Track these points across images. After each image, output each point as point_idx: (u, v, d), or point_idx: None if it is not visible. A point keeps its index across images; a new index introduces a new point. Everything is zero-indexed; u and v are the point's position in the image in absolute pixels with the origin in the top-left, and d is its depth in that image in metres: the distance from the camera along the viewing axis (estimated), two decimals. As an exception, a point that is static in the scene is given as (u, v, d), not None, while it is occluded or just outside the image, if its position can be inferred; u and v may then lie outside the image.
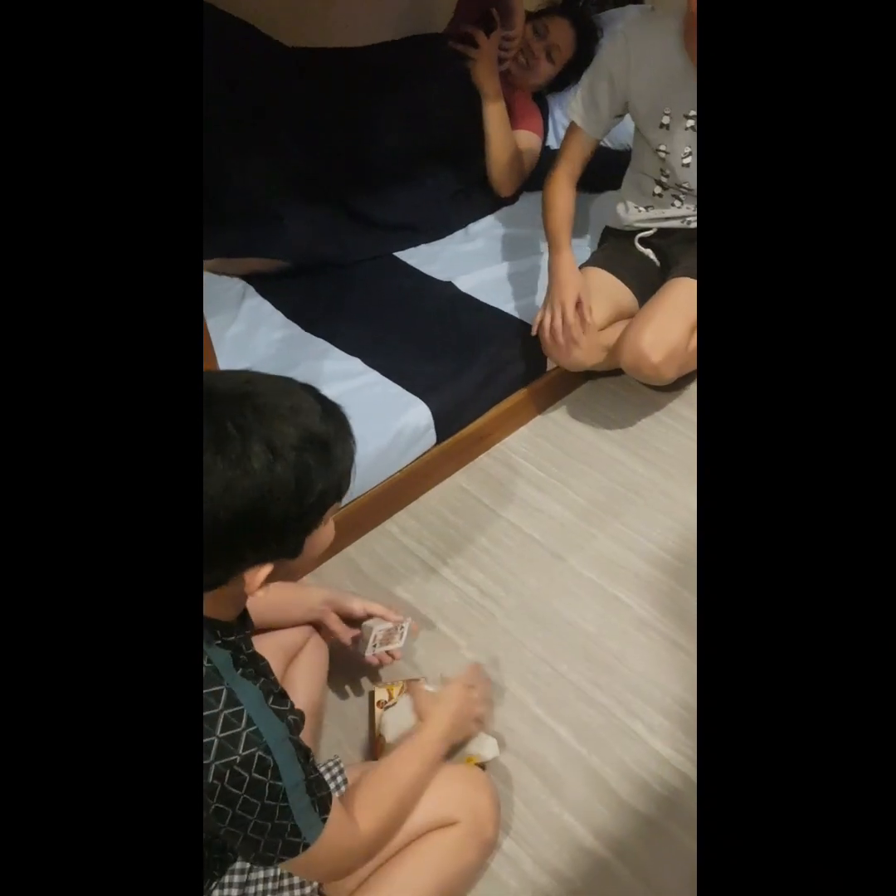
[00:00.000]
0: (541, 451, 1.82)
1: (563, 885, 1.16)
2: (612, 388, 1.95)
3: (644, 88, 1.66)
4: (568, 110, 1.81)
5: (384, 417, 1.61)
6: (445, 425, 1.69)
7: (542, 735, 1.32)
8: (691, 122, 1.66)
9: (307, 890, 0.99)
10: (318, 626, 1.31)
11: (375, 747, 1.27)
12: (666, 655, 1.41)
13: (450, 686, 1.17)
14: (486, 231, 2.15)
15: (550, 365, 1.86)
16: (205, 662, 0.78)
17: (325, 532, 0.84)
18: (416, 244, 2.11)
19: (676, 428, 1.84)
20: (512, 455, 1.82)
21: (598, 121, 1.74)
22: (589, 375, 1.93)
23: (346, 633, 1.31)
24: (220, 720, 0.76)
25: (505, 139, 2.11)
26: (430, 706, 1.14)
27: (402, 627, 1.31)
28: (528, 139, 2.19)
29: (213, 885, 0.96)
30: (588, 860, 1.19)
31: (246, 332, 1.83)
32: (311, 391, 0.82)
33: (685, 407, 1.89)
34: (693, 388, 1.92)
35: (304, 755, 0.84)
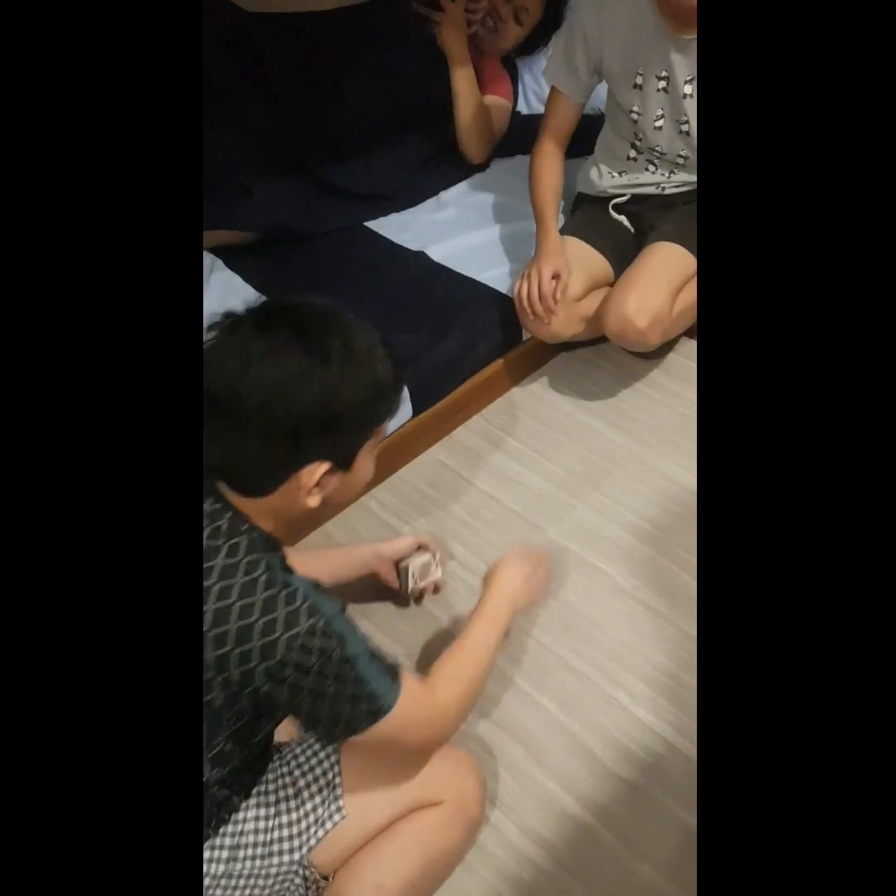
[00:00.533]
0: (518, 423, 1.81)
1: (549, 852, 1.17)
2: (588, 358, 1.94)
3: (617, 47, 1.63)
4: (545, 75, 1.78)
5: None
6: (421, 398, 1.68)
7: (524, 705, 1.33)
8: (663, 83, 1.64)
9: (296, 856, 0.99)
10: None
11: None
12: (646, 623, 1.42)
13: (516, 553, 1.21)
14: (457, 199, 2.11)
15: (526, 335, 1.85)
16: (263, 556, 0.85)
17: (367, 464, 0.94)
18: (386, 213, 2.08)
19: (654, 397, 1.84)
20: (489, 427, 1.81)
21: (578, 83, 1.71)
22: (566, 346, 1.92)
23: (395, 580, 1.38)
24: (281, 598, 0.82)
25: (474, 104, 2.07)
26: (496, 573, 1.18)
27: (435, 558, 1.37)
28: (497, 104, 2.15)
29: (205, 844, 0.96)
30: (573, 827, 1.20)
31: (216, 304, 1.77)
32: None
33: (662, 376, 1.88)
34: (670, 357, 1.91)
35: (363, 635, 0.89)
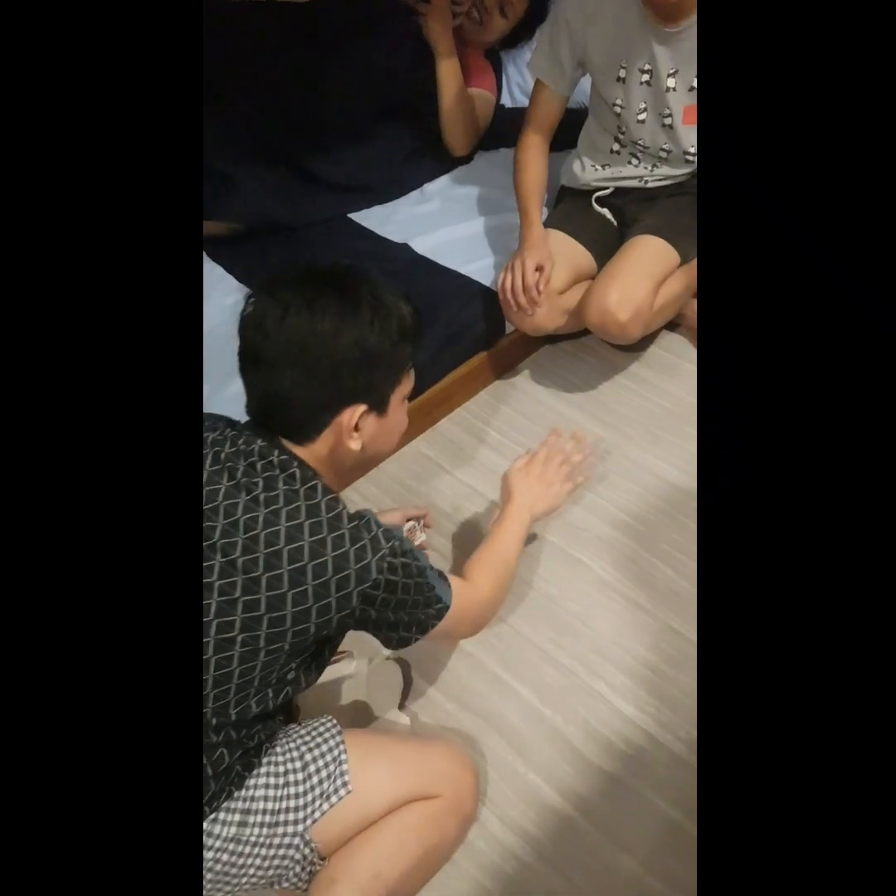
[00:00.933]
0: (501, 416, 1.81)
1: (531, 844, 1.17)
2: (571, 351, 1.94)
3: (600, 41, 1.63)
4: (530, 68, 1.77)
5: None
6: (404, 390, 1.67)
7: (504, 696, 1.33)
8: (646, 77, 1.63)
9: (300, 828, 0.99)
10: None
11: None
12: (628, 616, 1.42)
13: (534, 460, 1.37)
14: (441, 191, 2.10)
15: (509, 328, 1.84)
16: (340, 505, 0.96)
17: (400, 413, 1.05)
18: (370, 205, 2.07)
19: (636, 391, 1.84)
20: (472, 419, 1.81)
21: (562, 75, 1.70)
22: (549, 339, 1.92)
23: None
24: (363, 526, 0.93)
25: (459, 97, 2.06)
26: (515, 479, 1.33)
27: (419, 523, 1.40)
28: (481, 97, 2.14)
29: (212, 815, 0.96)
30: (554, 819, 1.20)
31: (196, 297, 1.77)
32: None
33: (644, 369, 1.89)
34: (652, 350, 1.91)
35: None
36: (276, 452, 0.97)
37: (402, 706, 1.33)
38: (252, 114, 1.98)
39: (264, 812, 0.99)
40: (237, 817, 0.97)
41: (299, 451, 1.00)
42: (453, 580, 1.06)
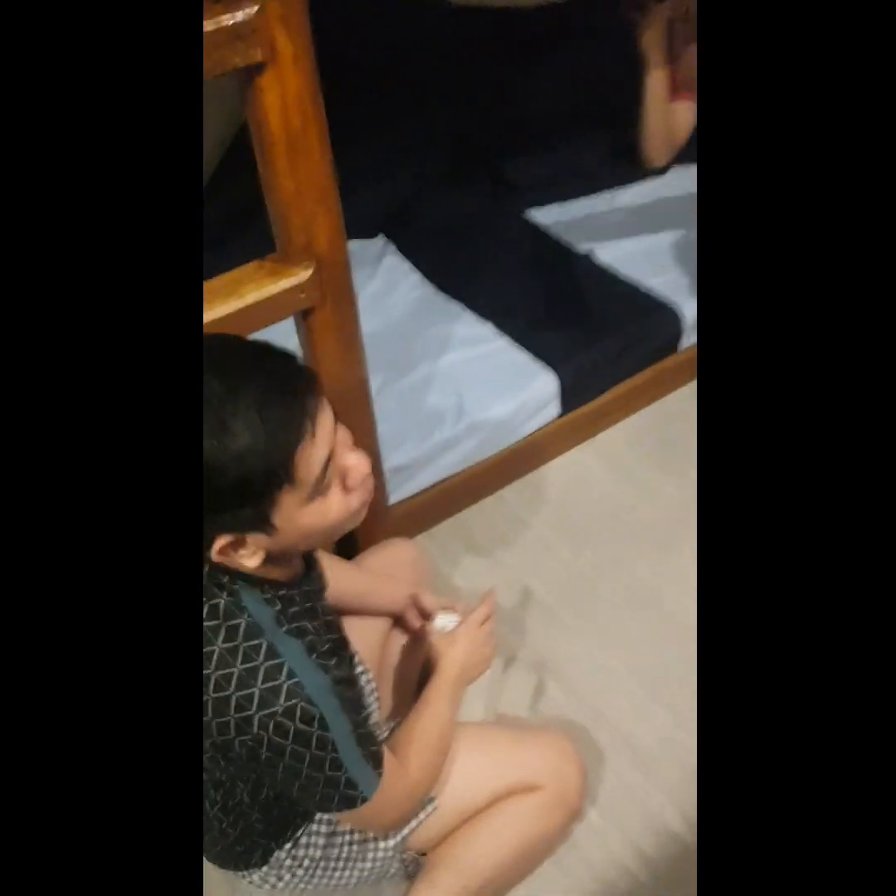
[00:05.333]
0: (664, 432, 1.78)
1: (648, 866, 1.17)
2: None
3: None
4: None
5: (510, 386, 1.62)
6: (571, 397, 1.68)
7: (642, 715, 1.32)
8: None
9: (391, 843, 1.02)
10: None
11: None
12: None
13: (462, 627, 1.08)
14: (630, 202, 2.09)
15: (683, 344, 1.81)
16: (246, 617, 0.79)
17: (324, 506, 0.77)
18: (556, 200, 2.08)
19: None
20: (636, 434, 1.79)
21: None
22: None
23: (424, 628, 1.21)
24: (261, 672, 0.77)
25: (663, 109, 2.05)
26: (442, 651, 1.06)
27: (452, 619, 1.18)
28: (685, 110, 2.12)
29: (301, 832, 1.00)
30: (676, 846, 1.18)
31: (384, 289, 1.86)
32: (272, 367, 0.74)
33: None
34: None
35: (354, 708, 0.83)
36: (211, 584, 0.81)
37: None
38: (450, 120, 2.06)
39: (351, 831, 1.01)
40: (323, 840, 1.00)
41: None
42: (390, 766, 0.88)
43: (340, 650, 0.89)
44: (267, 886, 1.04)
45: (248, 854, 0.99)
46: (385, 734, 1.05)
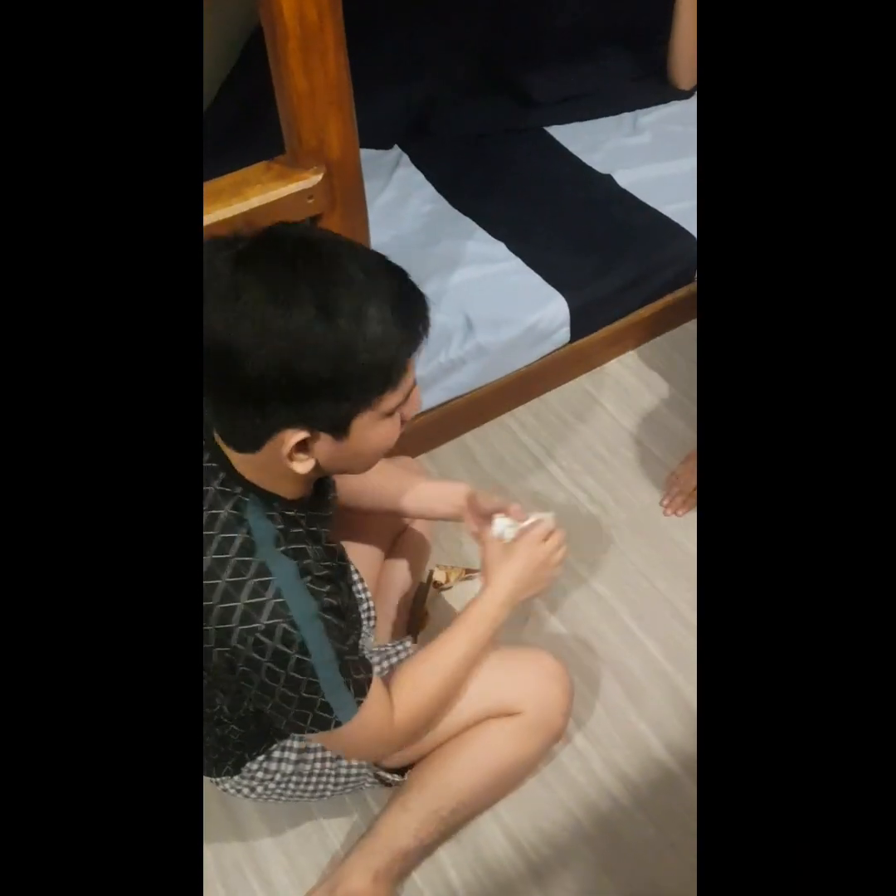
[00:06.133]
0: (674, 366, 1.75)
1: (629, 789, 1.19)
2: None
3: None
4: None
5: (520, 308, 1.58)
6: (581, 324, 1.65)
7: (630, 646, 1.33)
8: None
9: (365, 761, 1.03)
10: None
11: (419, 623, 1.31)
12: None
13: (520, 539, 1.02)
14: (654, 124, 2.01)
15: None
16: (244, 533, 0.78)
17: (386, 428, 0.77)
18: (577, 119, 2.00)
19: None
20: (644, 366, 1.76)
21: None
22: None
23: (482, 534, 1.11)
24: (247, 588, 0.76)
25: (694, 27, 1.95)
26: (496, 564, 1.00)
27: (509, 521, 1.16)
28: (718, 27, 2.02)
29: (275, 746, 1.00)
30: (657, 771, 1.21)
31: (396, 200, 1.81)
32: (397, 274, 0.74)
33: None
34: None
35: (341, 636, 0.81)
36: (214, 481, 0.80)
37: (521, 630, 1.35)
38: (473, 29, 1.97)
39: (323, 748, 1.01)
40: (294, 755, 1.01)
41: (240, 463, 0.80)
42: (375, 697, 0.86)
43: (338, 579, 0.88)
44: (240, 796, 1.05)
45: (221, 762, 1.00)
46: (391, 655, 1.06)
